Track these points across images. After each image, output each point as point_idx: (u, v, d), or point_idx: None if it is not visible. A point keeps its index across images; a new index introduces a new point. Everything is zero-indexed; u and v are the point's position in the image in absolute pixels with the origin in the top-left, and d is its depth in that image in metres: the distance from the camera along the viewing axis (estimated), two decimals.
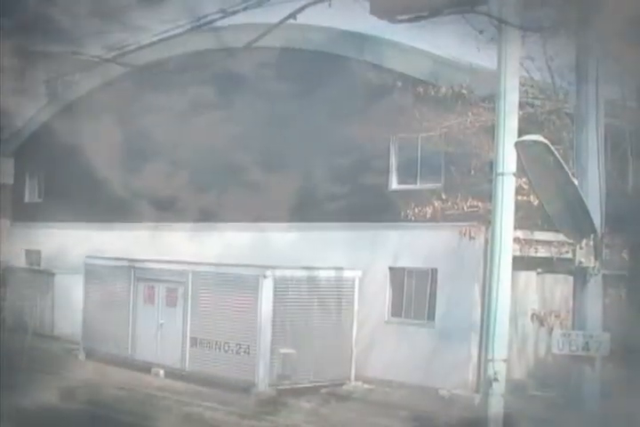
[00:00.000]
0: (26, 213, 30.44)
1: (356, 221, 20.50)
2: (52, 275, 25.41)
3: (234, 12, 10.68)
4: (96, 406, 15.72)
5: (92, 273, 22.61)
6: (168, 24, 12.56)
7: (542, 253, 18.09)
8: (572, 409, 8.52)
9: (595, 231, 8.30)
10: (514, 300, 9.58)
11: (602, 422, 8.46)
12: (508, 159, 8.66)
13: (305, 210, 21.40)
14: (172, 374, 20.24)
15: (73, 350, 22.76)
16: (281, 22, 10.26)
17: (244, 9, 10.64)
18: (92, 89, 27.41)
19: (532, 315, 17.76)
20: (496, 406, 8.64)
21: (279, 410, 17.12)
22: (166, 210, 23.71)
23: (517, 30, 8.67)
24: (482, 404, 8.89)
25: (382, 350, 19.95)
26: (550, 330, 15.29)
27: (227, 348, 19.19)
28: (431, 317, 19.55)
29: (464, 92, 17.24)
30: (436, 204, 18.19)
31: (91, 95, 27.61)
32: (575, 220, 8.20)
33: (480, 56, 16.00)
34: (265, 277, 18.68)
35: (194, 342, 19.86)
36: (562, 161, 7.86)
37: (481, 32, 12.11)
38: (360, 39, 20.78)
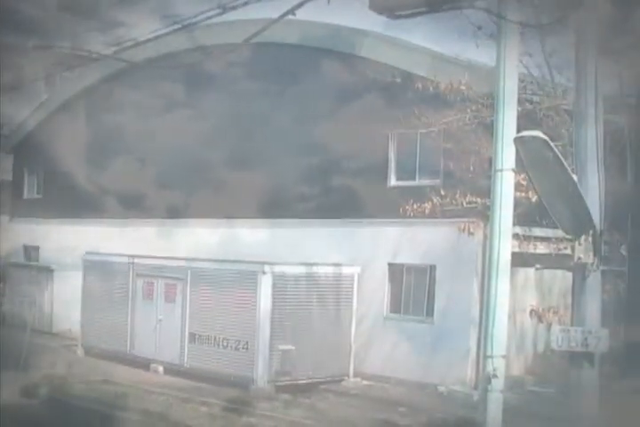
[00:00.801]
0: (25, 209, 30.43)
1: (354, 217, 20.49)
2: (51, 271, 25.42)
3: (233, 8, 10.67)
4: (93, 402, 15.74)
5: (91, 269, 22.67)
6: (165, 21, 12.57)
7: (541, 249, 18.12)
8: (571, 405, 8.53)
9: (594, 227, 8.30)
10: (512, 296, 9.58)
11: (600, 417, 8.47)
12: (506, 155, 8.66)
13: (304, 206, 21.41)
14: (170, 370, 20.26)
15: (72, 346, 22.85)
16: (280, 18, 10.25)
17: (244, 4, 10.62)
18: (89, 86, 27.44)
19: (531, 311, 17.79)
20: (495, 402, 8.65)
21: (278, 406, 17.13)
22: (167, 207, 23.74)
23: (516, 26, 8.66)
24: (480, 400, 8.90)
25: (381, 346, 19.96)
26: (549, 326, 15.31)
27: (225, 344, 19.20)
28: (430, 313, 19.56)
29: (463, 88, 17.26)
30: (435, 200, 18.22)
31: (88, 92, 27.65)
32: (574, 216, 8.20)
33: (479, 52, 16.05)
34: (264, 273, 18.68)
35: (192, 338, 19.88)
36: (561, 157, 7.85)
37: (480, 28, 12.12)
38: (358, 35, 20.79)
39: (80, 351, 22.18)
